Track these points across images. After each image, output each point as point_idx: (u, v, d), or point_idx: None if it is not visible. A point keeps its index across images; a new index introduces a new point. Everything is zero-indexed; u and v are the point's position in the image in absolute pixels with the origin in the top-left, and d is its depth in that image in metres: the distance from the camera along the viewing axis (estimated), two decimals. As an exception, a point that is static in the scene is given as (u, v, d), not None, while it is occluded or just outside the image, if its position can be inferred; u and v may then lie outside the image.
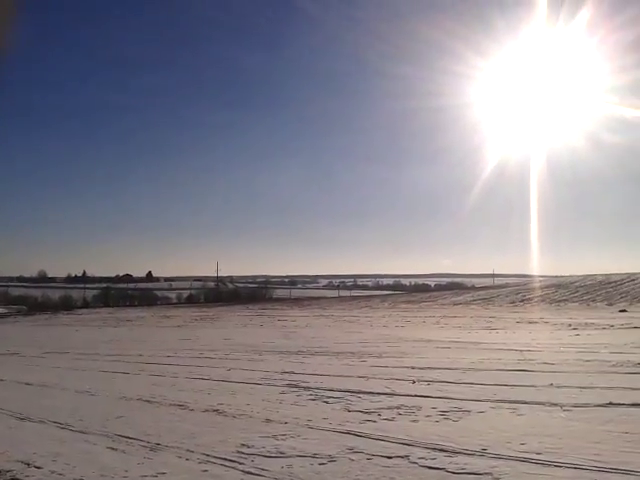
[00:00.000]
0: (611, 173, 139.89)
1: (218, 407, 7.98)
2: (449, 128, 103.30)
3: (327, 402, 8.04)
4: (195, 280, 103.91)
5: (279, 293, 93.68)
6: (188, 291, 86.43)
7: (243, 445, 5.86)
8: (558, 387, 8.42)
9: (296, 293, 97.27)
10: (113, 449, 6.02)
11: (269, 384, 9.92)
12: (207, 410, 7.85)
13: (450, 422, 6.55)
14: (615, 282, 74.28)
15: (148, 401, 8.82)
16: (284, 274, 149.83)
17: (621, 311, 39.74)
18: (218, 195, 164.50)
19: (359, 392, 8.65)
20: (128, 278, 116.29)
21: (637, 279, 74.94)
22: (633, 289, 65.44)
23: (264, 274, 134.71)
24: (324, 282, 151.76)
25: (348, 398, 8.23)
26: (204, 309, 53.32)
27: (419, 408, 7.31)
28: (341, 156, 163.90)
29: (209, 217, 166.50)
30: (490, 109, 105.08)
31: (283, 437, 6.13)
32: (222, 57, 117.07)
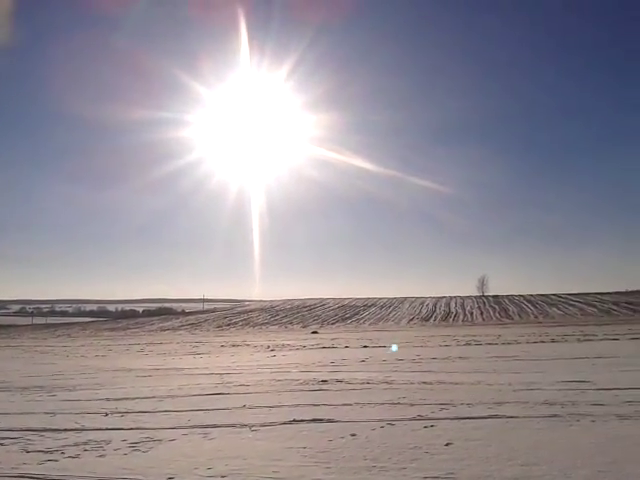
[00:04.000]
0: (311, 207, 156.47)
1: None
2: (174, 158, 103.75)
3: (2, 444, 7.02)
4: None
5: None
6: None
7: None
8: (250, 408, 8.82)
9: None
10: None
11: None
12: None
13: (139, 453, 6.28)
14: (309, 306, 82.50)
15: None
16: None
17: (313, 332, 44.24)
18: None
19: (43, 430, 7.78)
20: None
21: (327, 304, 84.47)
22: (324, 312, 73.53)
23: None
24: (15, 308, 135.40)
25: (29, 438, 7.31)
26: None
27: (108, 442, 6.86)
28: (43, 176, 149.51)
29: None
30: (213, 144, 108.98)
31: None
32: None
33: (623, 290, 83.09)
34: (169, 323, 67.32)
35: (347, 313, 71.28)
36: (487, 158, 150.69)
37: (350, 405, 8.78)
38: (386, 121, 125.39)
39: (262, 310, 78.57)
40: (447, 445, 6.06)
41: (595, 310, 63.76)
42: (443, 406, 8.43)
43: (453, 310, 70.87)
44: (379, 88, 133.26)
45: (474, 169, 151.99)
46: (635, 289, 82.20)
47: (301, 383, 11.79)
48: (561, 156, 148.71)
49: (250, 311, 78.52)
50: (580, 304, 70.64)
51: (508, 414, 7.63)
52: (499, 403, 8.51)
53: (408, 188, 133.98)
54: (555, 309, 67.07)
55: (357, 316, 67.67)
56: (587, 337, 26.89)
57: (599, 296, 78.34)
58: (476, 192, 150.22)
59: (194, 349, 27.89)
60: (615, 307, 65.63)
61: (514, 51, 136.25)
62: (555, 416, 7.42)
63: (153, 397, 10.60)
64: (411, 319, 62.43)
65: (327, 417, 7.75)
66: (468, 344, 24.87)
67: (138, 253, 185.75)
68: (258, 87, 79.23)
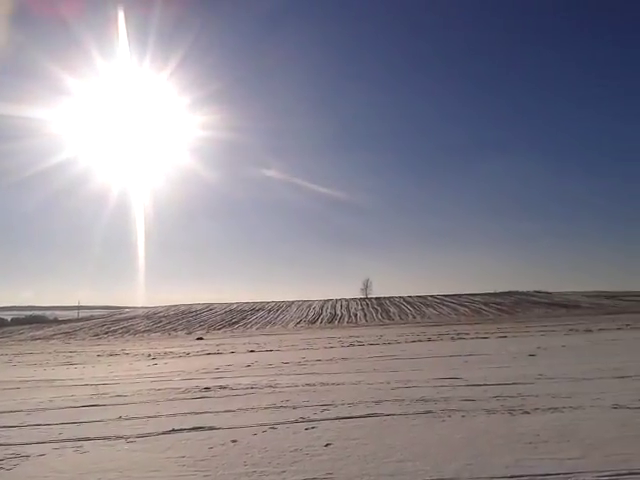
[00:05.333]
0: (198, 209, 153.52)
1: None
2: (44, 156, 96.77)
3: None
4: None
5: None
6: None
7: None
8: (127, 419, 8.44)
9: None
10: None
11: None
12: None
13: (3, 472, 5.82)
14: (196, 312, 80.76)
15: None
16: None
17: (198, 339, 43.22)
18: None
19: None
20: None
21: (214, 309, 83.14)
22: (210, 318, 72.27)
23: None
24: None
25: None
26: None
27: (-34, 463, 6.29)
28: None
29: None
30: (91, 142, 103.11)
31: None
32: None
33: (492, 291, 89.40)
34: (40, 332, 63.01)
35: (234, 318, 70.60)
36: (375, 164, 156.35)
37: (233, 411, 8.69)
38: (279, 124, 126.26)
39: (144, 317, 75.73)
40: (327, 446, 6.18)
41: (467, 310, 67.94)
42: (325, 407, 8.59)
43: (339, 312, 72.46)
44: (270, 91, 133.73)
45: (362, 175, 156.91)
46: (503, 290, 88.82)
47: (183, 391, 11.48)
48: (439, 162, 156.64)
49: (131, 318, 75.38)
50: (454, 304, 75.01)
51: (386, 412, 7.92)
52: (378, 402, 8.81)
53: (298, 192, 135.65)
54: (431, 309, 70.66)
55: (244, 320, 67.22)
56: (460, 336, 28.54)
57: (470, 297, 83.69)
58: (361, 197, 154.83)
59: (68, 359, 26.28)
60: (485, 307, 70.38)
61: (392, 58, 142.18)
62: (429, 412, 7.81)
63: (20, 410, 9.85)
64: (298, 322, 63.00)
65: (208, 425, 7.61)
66: (352, 345, 25.51)
67: (4, 257, 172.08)
68: (140, 85, 76.57)
